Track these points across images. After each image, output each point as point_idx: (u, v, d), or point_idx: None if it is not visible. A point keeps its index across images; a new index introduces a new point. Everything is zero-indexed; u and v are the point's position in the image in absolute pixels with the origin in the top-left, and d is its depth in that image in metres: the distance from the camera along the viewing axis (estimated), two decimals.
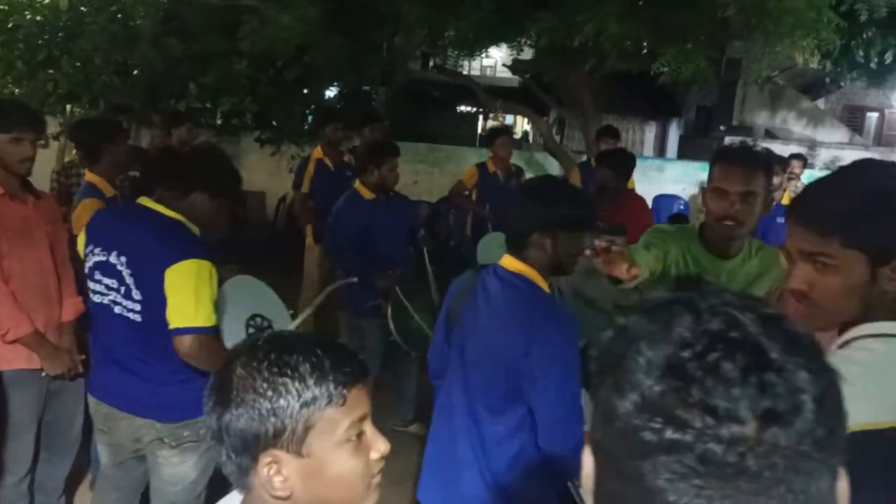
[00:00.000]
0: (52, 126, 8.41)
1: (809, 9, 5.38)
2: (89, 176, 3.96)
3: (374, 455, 1.31)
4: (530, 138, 16.83)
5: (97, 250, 2.70)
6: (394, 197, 4.79)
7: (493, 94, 9.22)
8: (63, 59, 8.10)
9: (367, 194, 4.63)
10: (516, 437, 2.31)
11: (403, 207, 4.97)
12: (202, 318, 2.58)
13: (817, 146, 12.04)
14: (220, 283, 2.98)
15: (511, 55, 8.77)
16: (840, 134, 13.04)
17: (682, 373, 0.63)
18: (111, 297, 2.68)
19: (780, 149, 8.64)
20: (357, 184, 4.71)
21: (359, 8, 6.90)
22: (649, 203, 6.50)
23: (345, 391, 1.24)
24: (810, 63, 6.85)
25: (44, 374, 3.19)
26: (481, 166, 6.57)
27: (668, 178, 10.93)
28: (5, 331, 3.02)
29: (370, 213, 4.58)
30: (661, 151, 14.12)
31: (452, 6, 6.36)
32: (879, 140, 15.65)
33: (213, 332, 2.63)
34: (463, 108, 15.66)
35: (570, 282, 3.51)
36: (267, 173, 10.56)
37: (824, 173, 1.70)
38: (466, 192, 6.54)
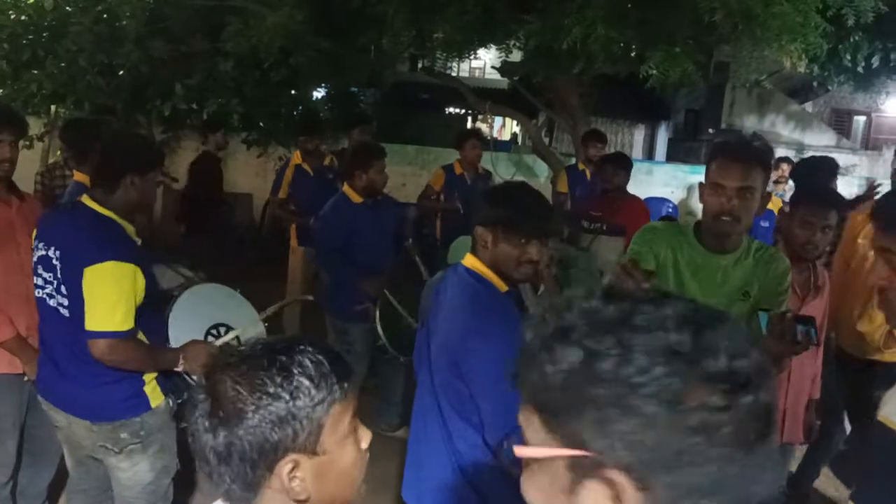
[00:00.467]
0: (37, 127, 8.34)
1: (796, 13, 5.39)
2: (78, 176, 3.93)
3: (364, 445, 1.34)
4: (519, 140, 16.84)
5: (41, 245, 2.75)
6: (381, 200, 4.78)
7: (481, 96, 9.19)
8: (47, 60, 8.02)
9: (356, 198, 4.62)
10: (481, 433, 2.31)
11: (391, 210, 4.96)
12: (116, 322, 2.59)
13: (805, 149, 12.09)
14: (184, 288, 3.00)
15: (500, 57, 8.74)
16: (827, 137, 13.09)
17: None
18: (47, 291, 2.73)
19: None
20: (345, 187, 4.70)
21: (345, 10, 6.87)
22: None
23: (345, 385, 1.26)
24: (798, 67, 6.84)
25: (26, 378, 3.15)
26: (448, 168, 6.57)
27: (656, 180, 10.95)
28: None
29: (358, 216, 4.57)
30: (649, 154, 14.15)
31: (439, 8, 6.33)
32: (867, 144, 15.73)
33: (129, 336, 2.63)
34: (451, 110, 15.64)
35: None
36: (253, 175, 10.52)
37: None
38: (434, 197, 6.53)
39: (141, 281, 2.68)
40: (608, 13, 5.50)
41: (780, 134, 12.59)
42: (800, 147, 12.15)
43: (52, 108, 8.72)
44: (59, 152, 6.51)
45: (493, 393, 2.17)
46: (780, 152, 9.29)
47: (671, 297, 0.85)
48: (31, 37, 8.14)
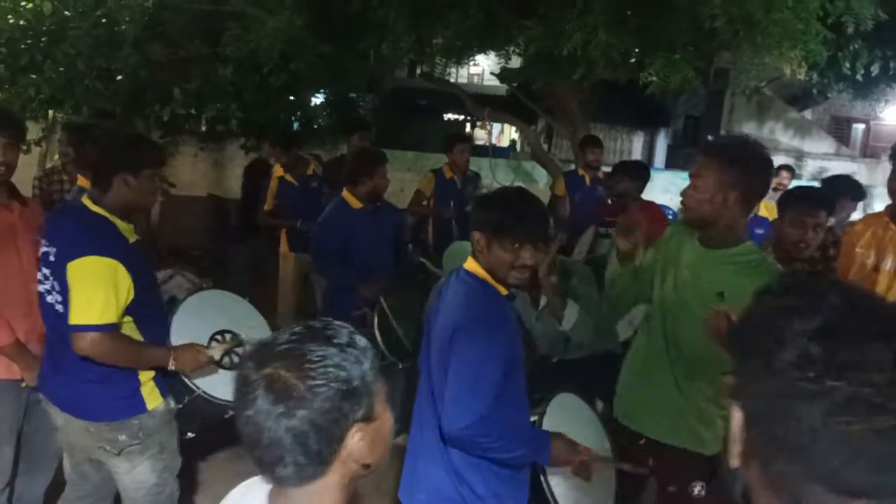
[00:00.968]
0: (35, 132, 8.31)
1: (797, 20, 5.40)
2: (82, 181, 3.91)
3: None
4: (518, 147, 16.85)
5: (45, 243, 2.79)
6: (381, 206, 4.77)
7: (480, 102, 9.19)
8: (46, 64, 7.99)
9: (355, 203, 4.61)
10: None
11: (390, 216, 4.95)
12: (95, 315, 2.60)
13: (804, 157, 12.09)
14: (190, 293, 2.97)
15: (499, 63, 8.74)
16: (826, 145, 13.10)
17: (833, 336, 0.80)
18: (45, 287, 2.76)
19: None
20: (344, 192, 4.69)
21: (344, 15, 6.86)
22: None
23: (377, 355, 1.35)
24: (797, 74, 6.86)
25: (24, 384, 3.13)
26: (438, 172, 6.55)
27: (656, 187, 10.89)
28: None
29: (357, 221, 4.57)
30: (649, 160, 14.15)
31: (440, 12, 6.33)
32: (865, 151, 15.75)
33: (110, 329, 2.64)
34: (450, 117, 15.63)
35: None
36: None
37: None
38: (425, 202, 6.52)
39: (125, 277, 2.67)
40: (609, 19, 5.50)
41: (779, 141, 12.59)
42: (799, 154, 12.15)
43: (50, 112, 8.69)
44: (56, 157, 6.47)
45: (463, 382, 2.22)
46: (779, 160, 9.28)
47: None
48: (29, 41, 8.10)
